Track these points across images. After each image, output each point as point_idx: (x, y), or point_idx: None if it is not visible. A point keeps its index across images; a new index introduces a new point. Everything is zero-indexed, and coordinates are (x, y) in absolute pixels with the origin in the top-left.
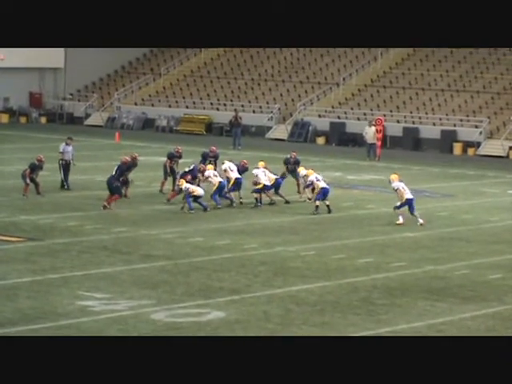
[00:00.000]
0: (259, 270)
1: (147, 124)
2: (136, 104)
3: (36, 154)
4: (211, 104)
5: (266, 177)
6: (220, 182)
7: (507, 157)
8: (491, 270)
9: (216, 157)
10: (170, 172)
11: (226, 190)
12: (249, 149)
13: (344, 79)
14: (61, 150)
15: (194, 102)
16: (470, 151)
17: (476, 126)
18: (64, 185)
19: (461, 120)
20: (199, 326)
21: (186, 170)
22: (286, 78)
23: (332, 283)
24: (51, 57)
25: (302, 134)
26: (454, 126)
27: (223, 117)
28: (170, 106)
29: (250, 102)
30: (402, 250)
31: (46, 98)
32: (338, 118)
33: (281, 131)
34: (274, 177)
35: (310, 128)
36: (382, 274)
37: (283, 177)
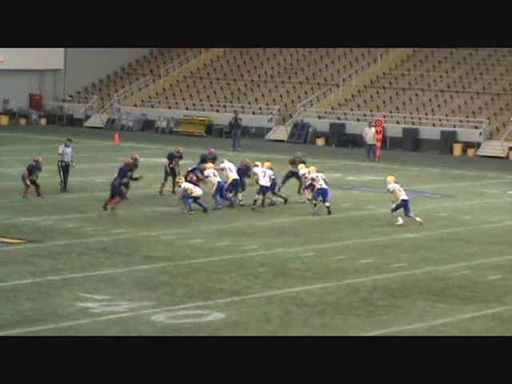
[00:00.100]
0: (259, 271)
1: (147, 125)
2: (136, 105)
3: (36, 155)
4: (211, 105)
5: (265, 178)
6: (219, 182)
7: (507, 157)
8: (491, 271)
9: (215, 159)
10: (171, 172)
11: (224, 190)
12: (249, 150)
13: (344, 80)
14: (60, 152)
15: (193, 104)
16: (470, 152)
17: (476, 127)
18: (63, 186)
19: (461, 121)
20: (199, 327)
21: (190, 169)
22: (286, 80)
23: (332, 284)
24: (51, 58)
25: (301, 135)
26: (454, 126)
27: (223, 118)
28: (169, 108)
29: (249, 103)
30: (401, 251)
31: (45, 100)
32: (338, 119)
33: (281, 132)
34: (273, 177)
35: (310, 129)
36: (382, 274)
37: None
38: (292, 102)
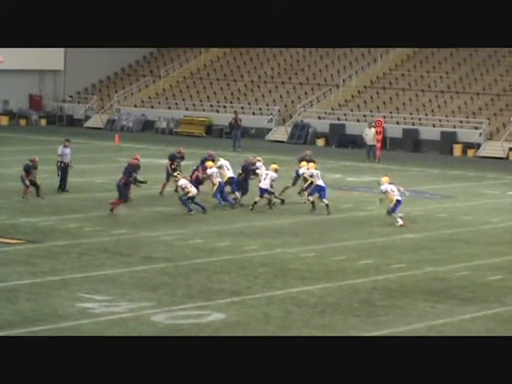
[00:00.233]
0: (259, 271)
1: (147, 126)
2: (136, 106)
3: (36, 156)
4: (211, 106)
5: (266, 180)
6: (220, 183)
7: (507, 158)
8: (491, 272)
9: (213, 161)
10: (172, 173)
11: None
12: (249, 151)
13: (344, 81)
14: (59, 153)
15: (193, 104)
16: (470, 152)
17: (476, 128)
18: (61, 187)
19: (461, 121)
20: (199, 327)
21: (194, 167)
22: (286, 80)
23: (332, 285)
24: (51, 59)
25: (301, 135)
26: (454, 127)
27: (223, 119)
28: (169, 108)
29: (249, 103)
30: (402, 252)
31: (45, 101)
32: (338, 119)
33: (281, 133)
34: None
35: (310, 130)
36: (382, 275)
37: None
38: (292, 102)
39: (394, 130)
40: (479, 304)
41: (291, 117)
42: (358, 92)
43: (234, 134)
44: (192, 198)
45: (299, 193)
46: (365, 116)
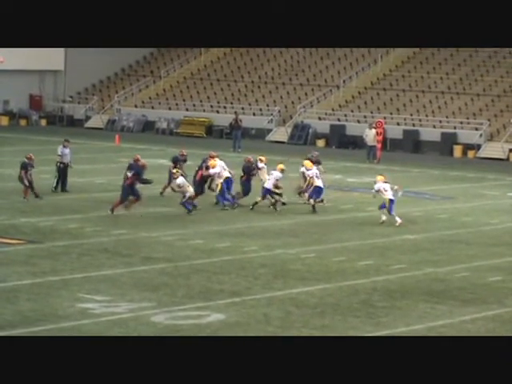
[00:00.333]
0: (259, 272)
1: (147, 126)
2: (136, 106)
3: (36, 156)
4: (211, 106)
5: (270, 180)
6: (222, 184)
7: (507, 159)
8: (491, 273)
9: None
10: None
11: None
12: (249, 151)
13: (344, 82)
14: (59, 153)
15: (194, 105)
16: (470, 154)
17: (476, 129)
18: (57, 187)
19: (461, 122)
20: (199, 328)
21: (197, 168)
22: (286, 81)
23: (332, 286)
24: (51, 59)
25: (302, 136)
26: (454, 128)
27: (223, 119)
28: (170, 109)
29: (250, 104)
30: (402, 253)
31: (46, 101)
32: (338, 120)
33: (281, 134)
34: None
35: (310, 130)
36: (382, 276)
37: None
38: (292, 103)
39: (395, 131)
40: (479, 305)
41: (291, 117)
42: (359, 93)
43: (235, 135)
44: (189, 199)
45: (299, 194)
46: (365, 117)
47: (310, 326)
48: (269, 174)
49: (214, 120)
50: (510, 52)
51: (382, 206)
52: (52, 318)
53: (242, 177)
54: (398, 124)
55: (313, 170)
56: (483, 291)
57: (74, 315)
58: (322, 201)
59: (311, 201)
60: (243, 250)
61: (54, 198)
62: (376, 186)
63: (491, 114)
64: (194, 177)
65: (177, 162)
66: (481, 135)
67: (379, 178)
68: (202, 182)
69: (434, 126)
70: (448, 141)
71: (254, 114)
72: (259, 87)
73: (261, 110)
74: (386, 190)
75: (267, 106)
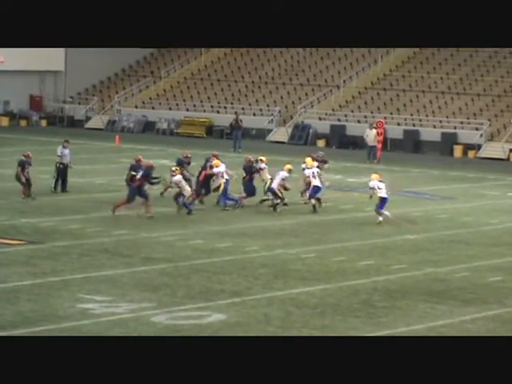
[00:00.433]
0: (260, 272)
1: (148, 127)
2: (136, 107)
3: (36, 157)
4: (212, 107)
5: (276, 179)
6: (224, 184)
7: (508, 159)
8: (491, 273)
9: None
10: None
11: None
12: (249, 151)
13: (344, 82)
14: (59, 154)
15: (194, 105)
16: (471, 154)
17: (476, 129)
18: (56, 187)
19: (461, 122)
20: (200, 328)
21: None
22: (287, 81)
23: (332, 286)
24: (51, 60)
25: (302, 136)
26: (455, 128)
27: (224, 119)
28: (170, 109)
29: (250, 104)
30: (402, 253)
31: (46, 101)
32: (339, 120)
33: (281, 134)
34: (269, 177)
35: (311, 131)
36: (383, 276)
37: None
38: (293, 103)
39: (395, 131)
40: (479, 305)
41: (292, 118)
42: (359, 93)
43: (235, 135)
44: (183, 196)
45: (301, 193)
46: (365, 117)
47: (311, 326)
48: (272, 174)
49: (215, 120)
50: (511, 52)
51: (379, 207)
52: (52, 318)
53: (244, 177)
54: (399, 124)
55: (311, 170)
56: (483, 291)
57: (75, 315)
58: (319, 200)
59: (312, 200)
60: (244, 250)
61: (54, 198)
62: (371, 184)
63: (491, 114)
64: (198, 177)
65: (181, 164)
66: (481, 135)
67: (374, 176)
68: (206, 182)
69: (435, 126)
70: (448, 141)
71: (254, 114)
72: (259, 87)
73: (261, 110)
74: (380, 188)
75: (267, 106)
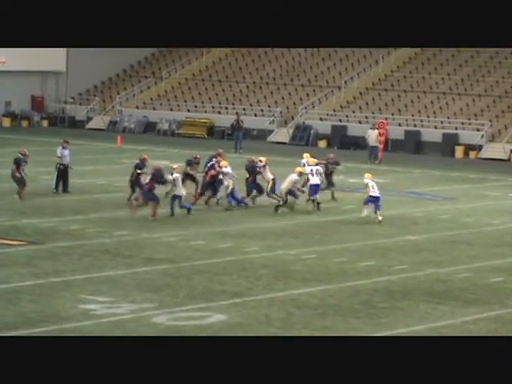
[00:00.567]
0: (261, 273)
1: (149, 127)
2: (138, 107)
3: (38, 157)
4: (213, 107)
5: (285, 182)
6: (233, 183)
7: (509, 160)
8: (493, 273)
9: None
10: (191, 179)
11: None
12: (250, 152)
13: (345, 82)
14: (59, 155)
15: (195, 106)
16: (472, 154)
17: (478, 129)
18: (57, 188)
19: (462, 123)
20: (201, 329)
21: (208, 165)
22: (288, 82)
23: (333, 286)
24: (53, 60)
25: (303, 137)
26: (456, 129)
27: (225, 120)
28: (171, 110)
29: (251, 105)
30: (403, 253)
31: (47, 102)
32: (340, 121)
33: (282, 134)
34: (272, 177)
35: (312, 131)
36: (384, 277)
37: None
38: (294, 104)
39: (396, 132)
40: (481, 306)
41: (293, 118)
42: (360, 94)
43: (236, 136)
44: (180, 198)
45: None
46: (366, 118)
47: (311, 327)
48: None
49: (216, 121)
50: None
51: (377, 209)
52: (54, 319)
53: (247, 178)
54: (400, 125)
55: (310, 167)
56: (485, 292)
57: (76, 316)
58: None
59: (317, 197)
60: (244, 251)
61: (55, 199)
62: (365, 181)
63: (493, 115)
64: (204, 177)
65: (190, 164)
66: (482, 136)
67: (367, 175)
68: (212, 183)
69: (436, 127)
70: (449, 141)
71: (255, 115)
72: (261, 88)
73: (262, 110)
74: (373, 187)
75: (269, 106)
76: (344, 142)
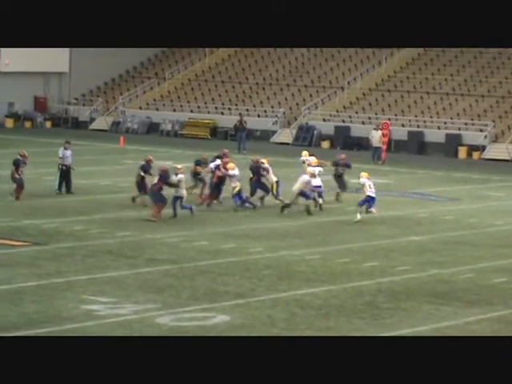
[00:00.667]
0: (264, 273)
1: (152, 128)
2: (141, 108)
3: (41, 158)
4: (216, 108)
5: (297, 184)
6: (240, 184)
7: None
8: (496, 274)
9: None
10: (198, 179)
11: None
12: (254, 153)
13: (349, 83)
14: (60, 155)
15: (198, 106)
16: (475, 155)
17: (481, 130)
18: (60, 189)
19: (466, 124)
20: (204, 329)
21: (214, 167)
22: (291, 82)
23: (337, 287)
24: (56, 61)
25: (306, 137)
26: (459, 129)
27: (228, 121)
28: (174, 110)
29: (254, 106)
30: (406, 254)
31: (50, 103)
32: (343, 121)
33: (285, 135)
34: (275, 179)
35: (315, 132)
36: (387, 277)
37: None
38: (297, 104)
39: (399, 133)
40: (484, 306)
41: (296, 119)
42: (363, 94)
43: (239, 136)
44: (181, 199)
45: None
46: (370, 118)
47: (315, 328)
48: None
49: (219, 122)
50: None
51: (369, 207)
52: (57, 319)
53: (251, 178)
54: (403, 125)
55: (313, 167)
56: (488, 292)
57: (79, 317)
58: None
59: (320, 200)
60: (248, 252)
61: (58, 199)
62: (361, 181)
63: (496, 116)
64: (212, 178)
65: (199, 164)
66: (485, 136)
67: (363, 174)
68: (219, 184)
69: (439, 128)
70: (453, 142)
71: (258, 116)
72: (264, 89)
73: (265, 111)
74: (370, 187)
75: (272, 107)
76: (347, 142)
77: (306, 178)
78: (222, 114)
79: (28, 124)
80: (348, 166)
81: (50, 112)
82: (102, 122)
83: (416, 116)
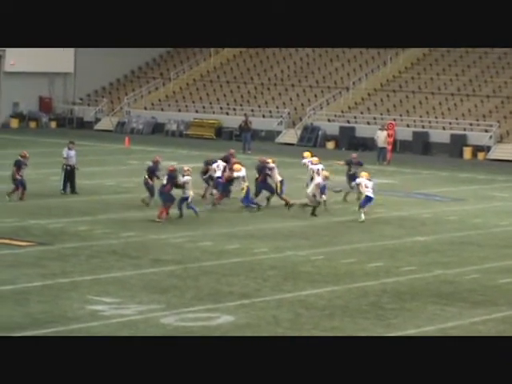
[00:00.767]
0: (269, 274)
1: (157, 128)
2: (146, 108)
3: (46, 158)
4: (221, 108)
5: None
6: (247, 186)
7: None
8: (501, 275)
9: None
10: (209, 178)
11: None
12: (258, 153)
13: (354, 83)
14: (64, 156)
15: (203, 107)
16: (480, 155)
17: (486, 131)
18: (65, 189)
19: (471, 124)
20: (209, 330)
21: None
22: (296, 83)
23: (341, 288)
24: (61, 61)
25: (311, 138)
26: (464, 130)
27: (233, 121)
28: (179, 111)
29: (259, 106)
30: (412, 255)
31: (55, 103)
32: (348, 122)
33: (290, 136)
34: (280, 179)
35: (320, 132)
36: (392, 278)
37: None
38: (302, 105)
39: (404, 133)
40: (489, 307)
41: (301, 119)
42: (368, 95)
43: (244, 137)
44: (187, 199)
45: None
46: (375, 119)
47: (320, 328)
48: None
49: (224, 122)
50: None
51: (362, 205)
52: (62, 319)
53: (257, 178)
54: (408, 126)
55: (316, 166)
56: (493, 293)
57: (84, 317)
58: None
59: (323, 197)
60: (253, 252)
61: (63, 199)
62: (357, 180)
63: (501, 116)
64: (219, 177)
65: (210, 164)
66: (490, 137)
67: (363, 174)
68: (226, 184)
69: (444, 128)
70: (458, 142)
71: (263, 116)
72: (269, 89)
73: (270, 111)
74: (366, 187)
75: (277, 107)
76: (352, 143)
77: (319, 179)
78: (227, 114)
79: (33, 124)
80: (360, 164)
81: (55, 112)
82: (107, 123)
83: (421, 116)
